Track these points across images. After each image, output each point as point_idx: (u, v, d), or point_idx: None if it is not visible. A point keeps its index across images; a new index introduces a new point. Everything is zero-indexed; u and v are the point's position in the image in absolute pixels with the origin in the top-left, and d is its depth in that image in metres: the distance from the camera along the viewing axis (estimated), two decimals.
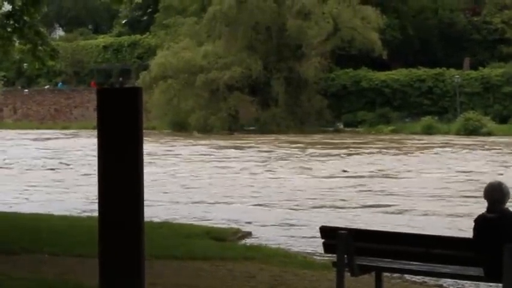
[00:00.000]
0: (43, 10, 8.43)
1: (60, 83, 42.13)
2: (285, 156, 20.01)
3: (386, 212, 10.57)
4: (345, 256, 4.25)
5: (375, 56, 30.53)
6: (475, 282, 5.13)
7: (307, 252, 7.47)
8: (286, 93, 30.79)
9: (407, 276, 5.75)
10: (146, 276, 2.94)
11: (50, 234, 6.85)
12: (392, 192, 12.59)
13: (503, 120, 28.45)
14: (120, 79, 37.70)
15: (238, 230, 8.57)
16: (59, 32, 47.87)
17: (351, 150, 21.31)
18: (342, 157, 19.30)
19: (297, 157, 19.82)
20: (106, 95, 3.84)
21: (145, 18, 38.81)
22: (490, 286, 4.99)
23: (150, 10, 36.46)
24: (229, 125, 31.06)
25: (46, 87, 42.69)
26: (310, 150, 21.45)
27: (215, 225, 8.81)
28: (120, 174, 3.35)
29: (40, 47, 8.18)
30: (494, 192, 4.16)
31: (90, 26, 47.22)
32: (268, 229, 9.15)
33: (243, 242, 8.08)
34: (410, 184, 13.70)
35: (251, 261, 6.53)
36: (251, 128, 31.35)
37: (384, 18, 31.25)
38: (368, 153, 20.63)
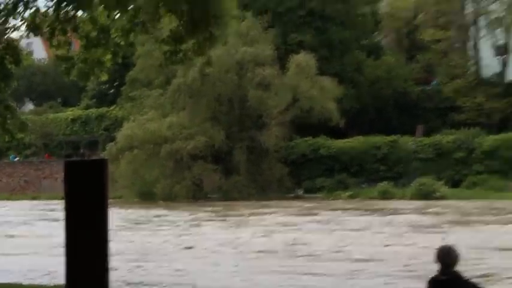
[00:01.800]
0: (13, 85, 8.63)
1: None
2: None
3: None
4: None
5: (333, 124, 31.84)
6: None
7: None
8: (248, 162, 31.64)
9: None
10: None
11: None
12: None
13: (455, 184, 29.55)
14: (82, 151, 38.42)
15: None
16: (29, 106, 48.79)
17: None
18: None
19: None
20: (73, 166, 4.08)
21: (112, 91, 39.92)
22: None
23: (116, 83, 37.56)
24: (194, 193, 31.52)
25: (16, 159, 43.03)
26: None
27: None
28: (87, 243, 3.52)
29: (9, 121, 8.40)
30: (445, 257, 4.45)
31: (59, 100, 48.21)
32: None
33: None
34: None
35: None
36: (215, 195, 31.85)
37: (341, 88, 32.71)
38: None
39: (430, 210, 23.26)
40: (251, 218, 22.43)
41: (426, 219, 20.89)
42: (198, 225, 21.13)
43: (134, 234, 18.38)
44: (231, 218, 22.77)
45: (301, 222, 20.26)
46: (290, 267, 12.38)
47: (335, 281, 11.10)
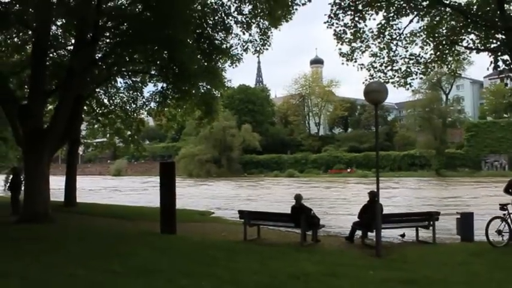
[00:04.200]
0: None
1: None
2: None
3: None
4: (246, 219, 13.67)
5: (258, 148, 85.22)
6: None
7: (233, 218, 18.24)
8: (228, 162, 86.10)
9: (270, 227, 14.80)
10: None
11: None
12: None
13: None
14: (166, 158, 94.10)
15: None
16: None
17: None
18: None
19: None
20: (164, 164, 17.62)
21: (177, 136, 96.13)
22: None
23: (179, 134, 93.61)
24: (207, 174, 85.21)
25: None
26: None
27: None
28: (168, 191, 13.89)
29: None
30: (297, 197, 13.05)
31: (158, 139, 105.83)
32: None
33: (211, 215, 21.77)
34: None
35: (214, 222, 18.39)
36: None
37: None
38: None
39: None
40: None
41: None
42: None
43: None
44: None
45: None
46: None
47: None
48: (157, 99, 22.90)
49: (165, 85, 21.77)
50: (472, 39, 13.50)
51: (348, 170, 77.39)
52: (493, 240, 12.18)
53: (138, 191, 46.75)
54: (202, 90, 21.19)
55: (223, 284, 7.66)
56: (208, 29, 20.16)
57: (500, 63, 11.97)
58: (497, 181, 38.23)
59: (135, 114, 25.86)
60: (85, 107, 24.17)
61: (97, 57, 19.34)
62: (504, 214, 12.40)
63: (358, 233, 13.19)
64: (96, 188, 50.21)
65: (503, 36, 12.09)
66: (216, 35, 20.32)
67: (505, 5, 12.22)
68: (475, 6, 13.18)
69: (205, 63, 19.80)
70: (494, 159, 69.84)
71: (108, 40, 19.90)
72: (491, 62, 12.18)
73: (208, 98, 21.36)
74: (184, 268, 8.69)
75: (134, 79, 24.30)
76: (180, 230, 13.92)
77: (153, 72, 22.13)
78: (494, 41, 12.68)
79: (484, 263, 9.96)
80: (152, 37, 15.64)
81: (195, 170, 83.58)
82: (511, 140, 66.73)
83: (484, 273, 9.03)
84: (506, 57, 12.03)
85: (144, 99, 25.05)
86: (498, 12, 12.21)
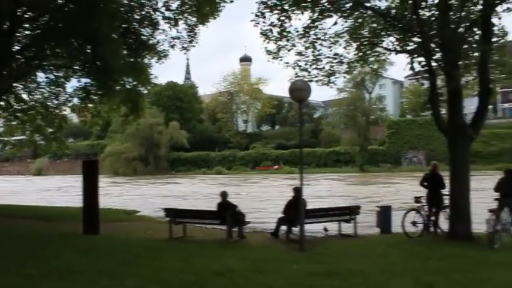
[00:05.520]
0: None
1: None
2: None
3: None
4: (172, 217, 13.64)
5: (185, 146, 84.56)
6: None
7: (159, 217, 18.23)
8: (154, 159, 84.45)
9: (196, 225, 14.99)
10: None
11: None
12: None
13: None
14: (90, 156, 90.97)
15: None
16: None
17: None
18: None
19: None
20: (87, 162, 14.70)
21: (104, 134, 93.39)
22: None
23: (105, 131, 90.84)
24: (134, 172, 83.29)
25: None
26: None
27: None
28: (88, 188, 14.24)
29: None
30: (223, 195, 13.31)
31: (83, 137, 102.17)
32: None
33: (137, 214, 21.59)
34: None
35: (140, 221, 18.56)
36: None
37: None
38: None
39: None
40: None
41: None
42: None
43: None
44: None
45: None
46: None
47: None
48: (81, 95, 22.06)
49: (88, 81, 21.02)
50: (391, 41, 14.10)
51: (275, 167, 78.54)
52: (408, 231, 12.87)
53: (61, 190, 44.96)
54: (128, 87, 20.66)
55: (147, 283, 7.55)
56: (134, 23, 19.72)
57: (416, 64, 12.64)
58: (415, 176, 40.24)
59: (57, 111, 24.75)
60: (1, 103, 22.88)
61: (15, 50, 18.36)
62: (418, 206, 13.15)
63: (283, 228, 13.44)
64: (15, 189, 47.71)
65: (419, 39, 12.75)
66: (142, 30, 19.91)
67: (420, 11, 12.89)
68: (393, 10, 13.79)
69: (131, 59, 19.35)
70: (413, 155, 73.60)
71: (27, 32, 18.93)
72: (408, 63, 12.84)
73: (134, 94, 20.85)
74: (107, 268, 8.49)
75: (56, 74, 23.26)
76: (104, 230, 13.57)
77: (76, 67, 21.30)
78: (411, 44, 13.32)
79: (400, 254, 10.51)
80: (75, 31, 15.07)
81: (121, 168, 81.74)
82: (428, 137, 70.44)
83: (400, 262, 9.53)
84: (421, 58, 12.71)
85: (67, 95, 24.04)
86: (414, 16, 12.87)
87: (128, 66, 18.30)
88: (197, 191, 39.31)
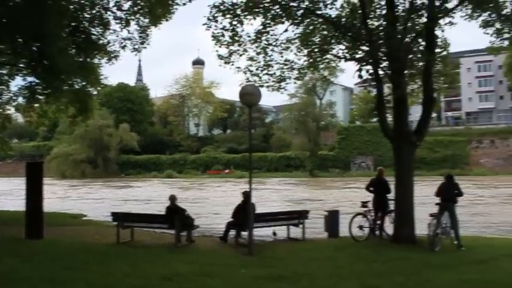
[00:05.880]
0: None
1: None
2: None
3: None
4: (120, 222, 13.24)
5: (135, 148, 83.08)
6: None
7: (107, 221, 17.18)
8: (104, 162, 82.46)
9: (144, 229, 14.54)
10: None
11: None
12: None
13: None
14: (36, 158, 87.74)
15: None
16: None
17: None
18: None
19: None
20: (32, 164, 18.69)
21: (51, 135, 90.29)
22: None
23: (52, 132, 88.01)
24: (82, 174, 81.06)
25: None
26: None
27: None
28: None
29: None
30: (172, 198, 13.20)
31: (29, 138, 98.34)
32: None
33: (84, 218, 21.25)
34: None
35: (87, 225, 18.07)
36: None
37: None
38: None
39: None
40: None
41: None
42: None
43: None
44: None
45: None
46: None
47: None
48: (26, 95, 21.30)
49: (34, 80, 20.32)
50: (341, 49, 14.42)
51: (226, 171, 78.52)
52: (355, 235, 13.18)
53: (3, 193, 43.18)
54: (77, 87, 20.12)
55: None
56: (84, 22, 19.24)
57: (363, 72, 12.97)
58: (363, 181, 41.22)
59: (0, 110, 23.80)
60: None
61: None
62: (365, 211, 13.49)
63: (233, 232, 13.47)
64: None
65: (367, 48, 13.11)
66: (92, 29, 19.45)
67: (368, 21, 13.29)
68: (344, 19, 14.12)
69: (80, 59, 18.85)
70: (362, 160, 75.35)
71: None
72: (356, 71, 13.16)
73: (83, 95, 20.30)
74: (50, 274, 8.24)
75: (0, 71, 22.38)
76: (49, 235, 13.17)
77: (21, 65, 20.55)
78: (360, 52, 13.67)
79: (347, 257, 10.75)
80: (21, 27, 14.54)
81: (69, 170, 79.50)
82: (376, 143, 72.26)
83: (347, 265, 9.75)
84: (369, 67, 13.08)
85: (11, 94, 23.15)
86: (363, 26, 13.24)
87: (77, 66, 17.80)
88: (146, 194, 38.72)
